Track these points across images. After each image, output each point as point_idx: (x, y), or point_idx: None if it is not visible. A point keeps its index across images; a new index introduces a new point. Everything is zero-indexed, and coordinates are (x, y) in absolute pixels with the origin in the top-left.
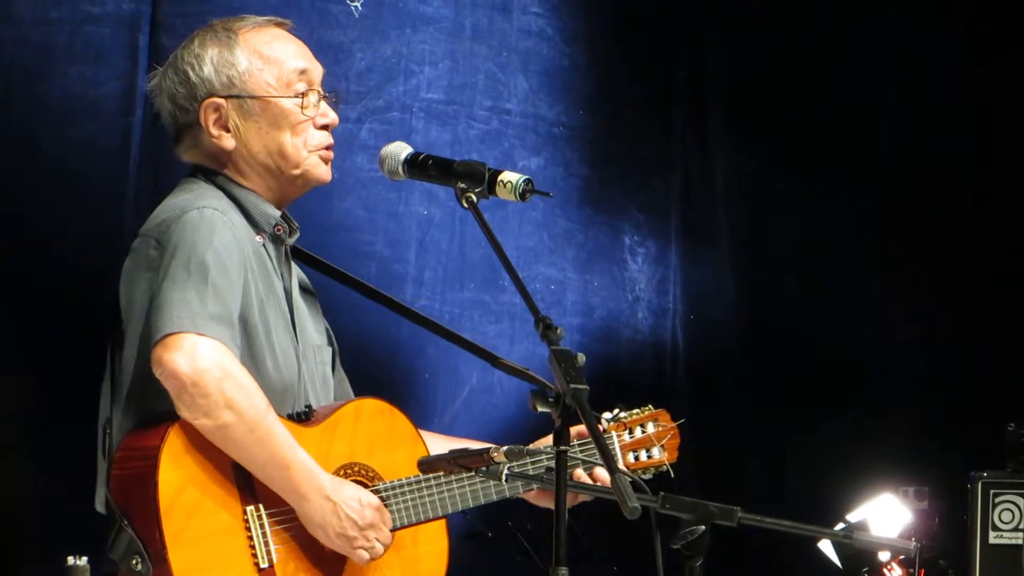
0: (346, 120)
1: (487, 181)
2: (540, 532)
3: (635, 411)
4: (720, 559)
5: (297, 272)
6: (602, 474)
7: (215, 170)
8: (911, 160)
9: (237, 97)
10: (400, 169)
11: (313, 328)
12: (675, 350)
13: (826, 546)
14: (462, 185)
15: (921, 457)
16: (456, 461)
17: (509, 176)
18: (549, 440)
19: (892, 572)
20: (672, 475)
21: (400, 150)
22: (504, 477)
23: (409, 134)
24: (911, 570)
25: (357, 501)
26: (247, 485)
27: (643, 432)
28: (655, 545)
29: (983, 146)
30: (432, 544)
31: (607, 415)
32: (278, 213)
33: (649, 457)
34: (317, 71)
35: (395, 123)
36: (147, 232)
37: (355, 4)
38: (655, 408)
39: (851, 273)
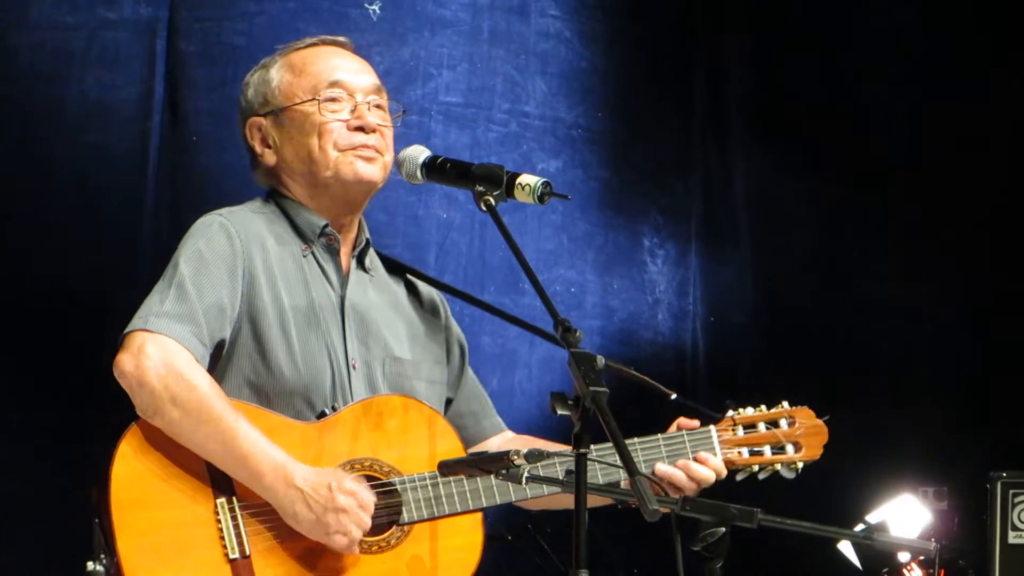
0: None
1: (505, 184)
2: (559, 534)
3: (760, 408)
4: (740, 561)
5: (391, 287)
6: (707, 459)
7: (275, 187)
8: (929, 161)
9: (271, 113)
10: (418, 172)
11: (406, 340)
12: (695, 352)
13: (846, 547)
14: (480, 188)
15: (940, 458)
16: (476, 464)
17: (527, 179)
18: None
19: (912, 572)
20: (799, 473)
21: (418, 153)
22: (524, 480)
23: (428, 137)
24: (931, 570)
25: (327, 487)
26: (222, 479)
27: (769, 428)
28: (675, 547)
29: (1004, 146)
30: (463, 536)
31: (731, 412)
32: (323, 222)
33: (778, 453)
34: (361, 81)
35: (414, 126)
36: None
37: (373, 8)
38: (791, 406)
39: (869, 274)
